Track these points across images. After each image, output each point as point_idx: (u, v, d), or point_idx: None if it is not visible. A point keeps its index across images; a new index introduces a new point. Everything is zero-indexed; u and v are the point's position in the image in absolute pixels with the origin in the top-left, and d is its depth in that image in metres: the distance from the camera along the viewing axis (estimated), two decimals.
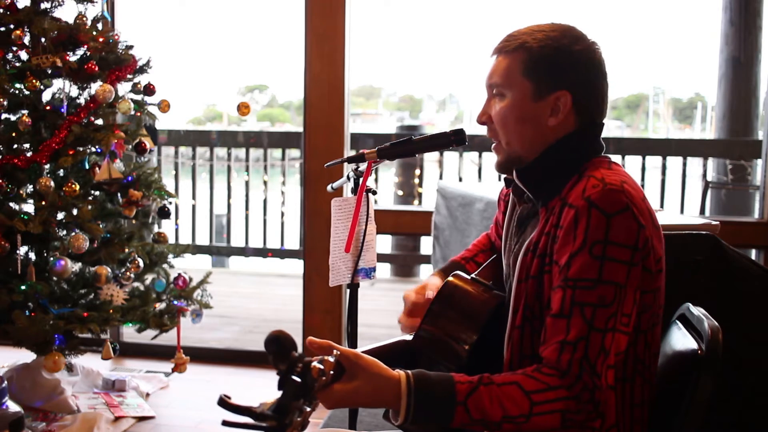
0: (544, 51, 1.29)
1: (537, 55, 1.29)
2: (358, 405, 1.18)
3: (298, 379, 0.99)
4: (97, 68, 2.79)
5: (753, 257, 3.26)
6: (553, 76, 1.29)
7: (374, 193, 1.77)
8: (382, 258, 5.75)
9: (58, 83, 2.89)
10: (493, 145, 1.38)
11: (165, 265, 3.11)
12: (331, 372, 1.09)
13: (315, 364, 1.03)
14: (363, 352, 1.38)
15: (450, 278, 1.42)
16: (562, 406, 1.14)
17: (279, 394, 0.98)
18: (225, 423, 0.96)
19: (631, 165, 5.40)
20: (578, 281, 1.18)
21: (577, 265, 1.18)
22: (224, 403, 0.95)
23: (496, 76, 1.33)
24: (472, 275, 1.45)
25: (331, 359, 1.10)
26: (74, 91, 2.92)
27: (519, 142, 1.33)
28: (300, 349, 1.03)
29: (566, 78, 1.29)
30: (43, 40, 2.77)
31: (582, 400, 1.15)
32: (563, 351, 1.17)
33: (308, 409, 1.01)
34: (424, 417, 1.14)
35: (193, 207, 5.67)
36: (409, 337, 1.44)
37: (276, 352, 0.99)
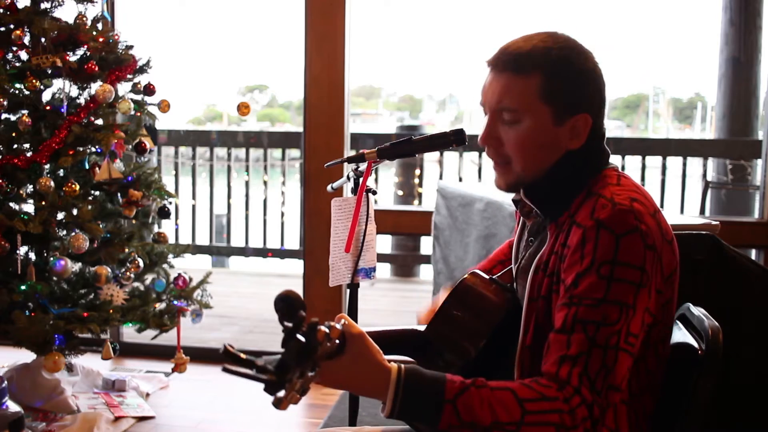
0: (561, 74, 1.24)
1: (555, 78, 1.24)
2: (347, 387, 1.16)
3: (303, 339, 0.99)
4: (97, 68, 2.79)
5: (753, 257, 3.26)
6: (573, 99, 1.26)
7: (374, 193, 1.77)
8: (382, 258, 5.75)
9: (58, 83, 2.89)
10: (497, 165, 1.33)
11: (165, 265, 3.11)
12: (336, 341, 1.08)
13: (321, 327, 1.02)
14: (371, 332, 1.37)
15: (466, 276, 1.41)
16: (557, 419, 1.11)
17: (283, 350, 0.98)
18: (225, 369, 0.96)
19: (631, 165, 5.40)
20: (584, 299, 1.16)
21: (584, 285, 1.17)
22: (227, 352, 0.96)
23: (508, 99, 1.26)
24: (491, 276, 1.44)
25: (339, 326, 1.09)
26: (74, 91, 2.91)
27: (537, 168, 1.29)
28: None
29: (586, 101, 1.27)
30: (43, 40, 2.77)
31: (578, 416, 1.12)
32: (563, 364, 1.15)
33: (310, 374, 1.01)
34: (410, 412, 1.12)
35: (193, 207, 5.67)
36: (420, 328, 1.43)
37: (283, 309, 0.99)
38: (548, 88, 1.24)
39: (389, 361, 1.16)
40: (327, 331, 1.04)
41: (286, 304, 0.99)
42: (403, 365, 1.14)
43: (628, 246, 1.16)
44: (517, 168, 1.30)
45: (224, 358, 0.96)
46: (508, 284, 1.42)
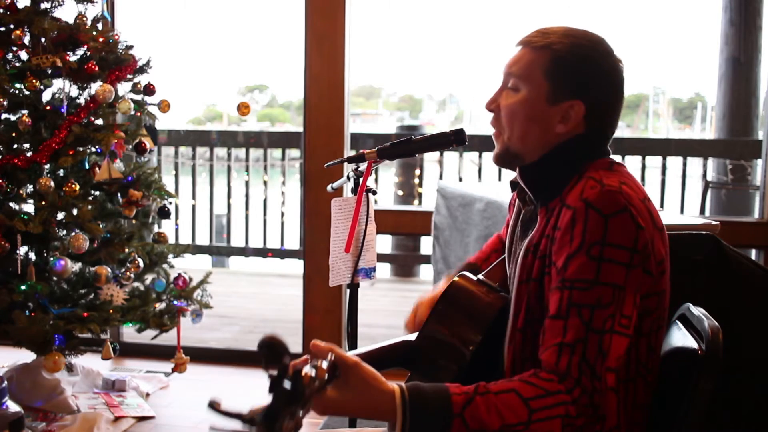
0: (570, 57, 1.28)
1: (563, 59, 1.28)
2: (350, 415, 1.16)
3: (289, 385, 0.98)
4: (97, 68, 2.79)
5: (753, 257, 3.26)
6: (573, 84, 1.28)
7: (374, 193, 1.77)
8: (382, 258, 5.75)
9: (58, 83, 2.88)
10: (494, 132, 1.37)
11: (165, 265, 3.10)
12: (326, 375, 1.07)
13: (306, 371, 1.01)
14: (363, 353, 1.37)
15: (455, 278, 1.42)
16: (562, 412, 1.12)
17: (269, 399, 0.98)
18: (212, 429, 0.96)
19: (631, 165, 5.40)
20: (575, 282, 1.17)
21: (575, 267, 1.18)
22: (214, 408, 0.96)
23: (516, 67, 1.32)
24: (479, 276, 1.44)
25: (325, 365, 1.07)
26: (74, 91, 2.91)
27: (521, 140, 1.32)
28: (301, 349, 1.02)
29: (585, 89, 1.28)
30: (43, 40, 2.77)
31: (581, 404, 1.13)
32: (561, 353, 1.15)
33: (300, 414, 1.00)
34: (419, 431, 1.12)
35: (193, 207, 5.67)
36: (411, 338, 1.43)
37: (267, 356, 0.98)
38: (553, 65, 1.28)
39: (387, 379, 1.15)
40: (312, 374, 1.02)
41: (269, 350, 0.98)
42: (404, 385, 1.14)
43: (617, 226, 1.17)
44: (505, 136, 1.34)
45: (211, 411, 0.96)
46: (496, 284, 1.43)
